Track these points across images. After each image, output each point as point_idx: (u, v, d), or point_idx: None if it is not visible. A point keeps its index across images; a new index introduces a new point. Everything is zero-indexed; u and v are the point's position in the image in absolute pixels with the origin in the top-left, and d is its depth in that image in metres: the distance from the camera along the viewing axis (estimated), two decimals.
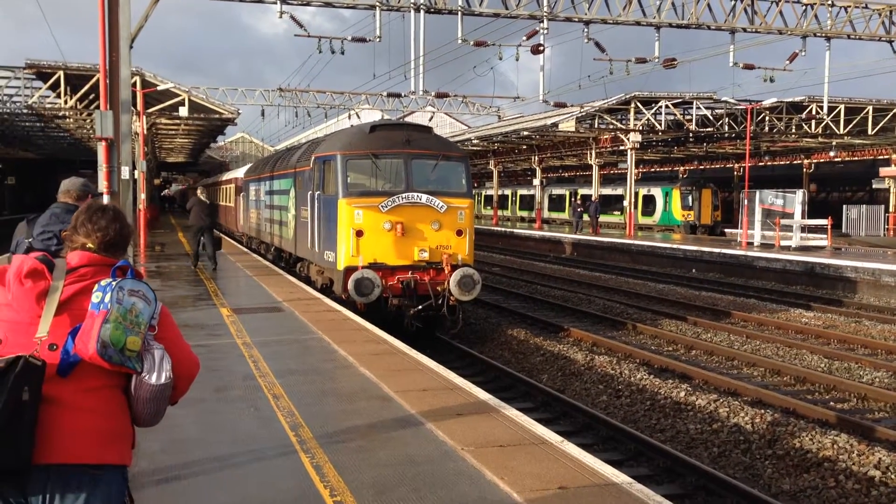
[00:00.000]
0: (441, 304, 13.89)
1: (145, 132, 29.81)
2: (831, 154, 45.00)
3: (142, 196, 26.51)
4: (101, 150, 13.18)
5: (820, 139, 40.32)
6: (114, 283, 2.69)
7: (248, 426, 6.55)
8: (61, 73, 28.31)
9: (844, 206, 41.19)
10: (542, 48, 23.92)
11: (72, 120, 36.69)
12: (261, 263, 21.37)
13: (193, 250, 19.57)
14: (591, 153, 42.14)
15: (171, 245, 28.01)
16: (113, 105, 14.94)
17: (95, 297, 2.66)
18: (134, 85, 25.46)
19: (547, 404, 11.03)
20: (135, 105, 25.86)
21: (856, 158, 46.41)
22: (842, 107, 36.56)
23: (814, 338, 15.71)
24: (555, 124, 36.72)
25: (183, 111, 30.84)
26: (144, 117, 28.70)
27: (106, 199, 5.28)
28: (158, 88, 28.47)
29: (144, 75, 28.09)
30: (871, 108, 37.12)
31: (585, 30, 23.72)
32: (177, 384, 2.86)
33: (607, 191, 47.59)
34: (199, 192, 20.45)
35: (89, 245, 2.85)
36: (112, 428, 2.74)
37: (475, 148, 49.30)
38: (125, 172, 17.44)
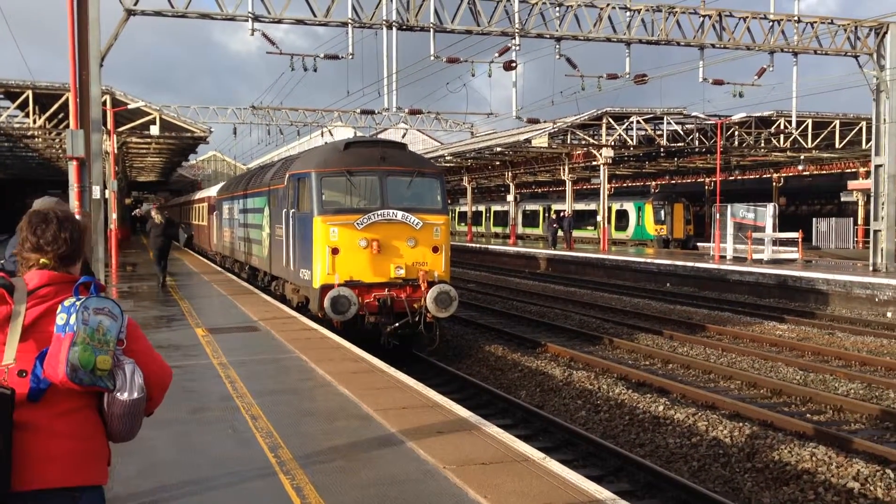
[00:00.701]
0: (418, 321, 13.83)
1: (116, 151, 29.52)
2: (800, 168, 45.62)
3: (113, 216, 26.23)
4: (71, 169, 13.01)
5: (789, 153, 40.87)
6: (77, 302, 2.57)
7: (226, 448, 6.44)
8: (30, 92, 27.96)
9: (814, 219, 41.75)
10: (514, 64, 24.03)
11: (41, 139, 36.27)
12: (235, 282, 21.18)
13: (159, 272, 20.36)
14: (564, 169, 42.38)
15: (144, 265, 27.68)
16: (83, 124, 14.77)
17: (60, 319, 2.56)
18: (104, 104, 25.23)
19: (526, 420, 10.99)
20: (105, 124, 25.61)
21: (824, 172, 47.08)
22: (809, 121, 37.07)
23: (788, 350, 15.82)
24: (528, 140, 36.92)
25: (154, 130, 30.58)
26: (115, 136, 28.44)
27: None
28: (129, 107, 28.22)
29: (115, 94, 27.85)
30: (838, 122, 37.67)
31: (557, 46, 23.88)
32: (151, 395, 2.77)
33: (581, 206, 47.86)
34: (153, 213, 21.48)
35: (44, 261, 2.73)
36: (88, 449, 2.67)
37: (449, 164, 49.40)
38: (96, 192, 17.24)
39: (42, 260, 2.74)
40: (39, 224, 2.77)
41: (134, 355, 2.71)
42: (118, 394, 2.63)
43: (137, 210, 72.66)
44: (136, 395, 2.65)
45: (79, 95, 15.18)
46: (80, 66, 15.59)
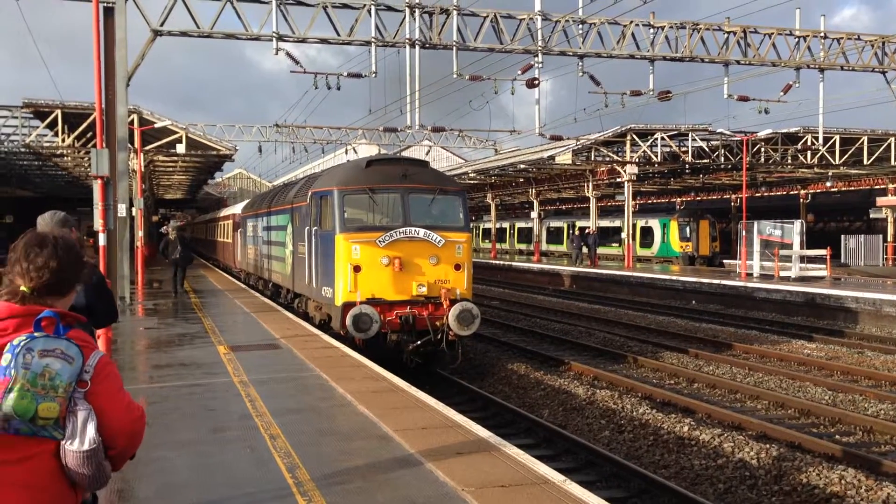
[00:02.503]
0: (440, 340, 13.75)
1: (143, 169, 29.84)
2: (828, 184, 45.12)
3: (139, 233, 26.49)
4: (96, 188, 13.13)
5: (816, 169, 40.45)
6: (24, 342, 2.35)
7: (244, 468, 6.41)
8: (59, 111, 28.40)
9: (842, 236, 41.18)
10: (537, 82, 24.05)
11: (69, 158, 36.78)
12: (259, 300, 21.25)
13: (174, 285, 22.29)
14: (588, 185, 42.22)
15: (170, 282, 27.84)
16: (109, 143, 14.94)
17: (4, 360, 2.33)
18: (131, 123, 25.54)
19: (549, 440, 10.87)
20: (132, 142, 25.91)
21: (852, 188, 46.52)
22: (837, 137, 36.71)
23: (817, 369, 15.57)
24: (551, 157, 36.83)
25: (180, 148, 30.90)
26: (142, 154, 28.76)
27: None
28: (156, 126, 28.55)
29: (142, 113, 28.18)
30: (866, 138, 37.27)
31: (580, 63, 23.88)
32: (114, 444, 2.52)
33: (605, 223, 47.63)
34: (169, 232, 22.73)
35: (23, 288, 2.50)
36: (44, 500, 2.45)
37: (472, 181, 49.40)
38: (122, 210, 17.40)
39: (22, 287, 2.52)
40: (34, 247, 2.56)
41: (95, 398, 2.46)
42: (67, 443, 2.42)
43: (166, 227, 73.55)
44: (86, 445, 2.42)
45: (105, 115, 15.35)
46: (106, 86, 15.78)
